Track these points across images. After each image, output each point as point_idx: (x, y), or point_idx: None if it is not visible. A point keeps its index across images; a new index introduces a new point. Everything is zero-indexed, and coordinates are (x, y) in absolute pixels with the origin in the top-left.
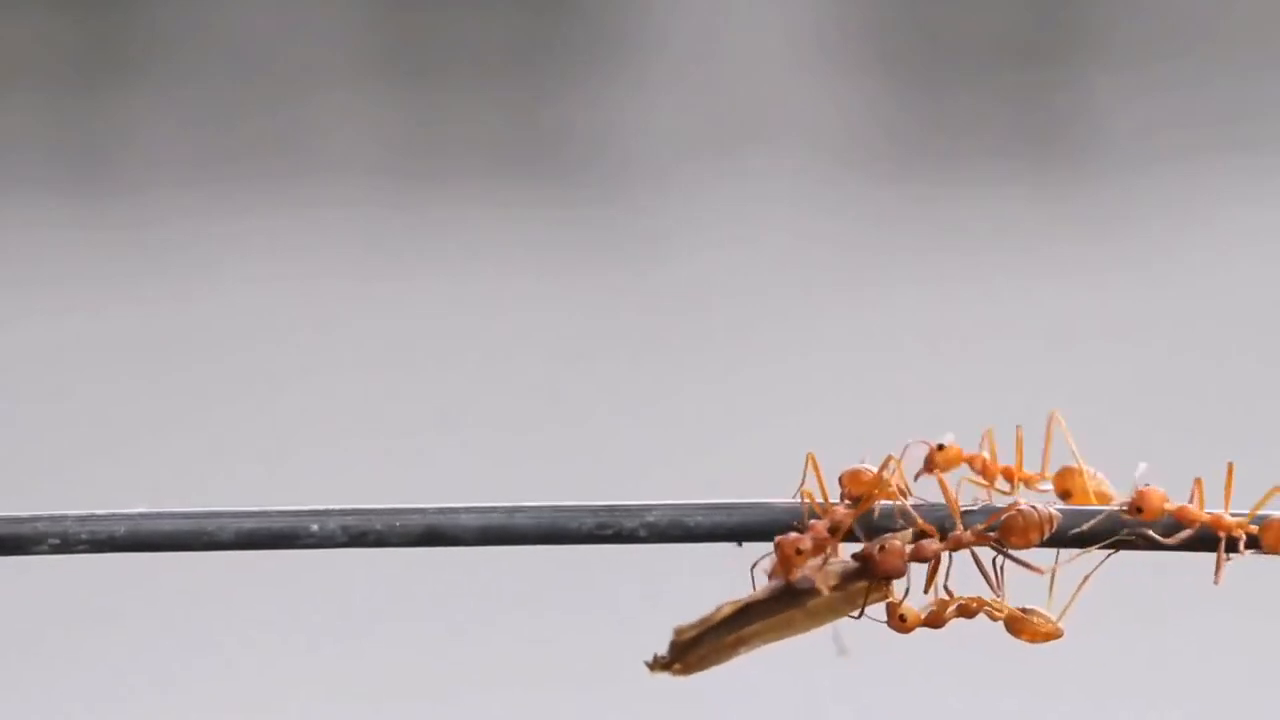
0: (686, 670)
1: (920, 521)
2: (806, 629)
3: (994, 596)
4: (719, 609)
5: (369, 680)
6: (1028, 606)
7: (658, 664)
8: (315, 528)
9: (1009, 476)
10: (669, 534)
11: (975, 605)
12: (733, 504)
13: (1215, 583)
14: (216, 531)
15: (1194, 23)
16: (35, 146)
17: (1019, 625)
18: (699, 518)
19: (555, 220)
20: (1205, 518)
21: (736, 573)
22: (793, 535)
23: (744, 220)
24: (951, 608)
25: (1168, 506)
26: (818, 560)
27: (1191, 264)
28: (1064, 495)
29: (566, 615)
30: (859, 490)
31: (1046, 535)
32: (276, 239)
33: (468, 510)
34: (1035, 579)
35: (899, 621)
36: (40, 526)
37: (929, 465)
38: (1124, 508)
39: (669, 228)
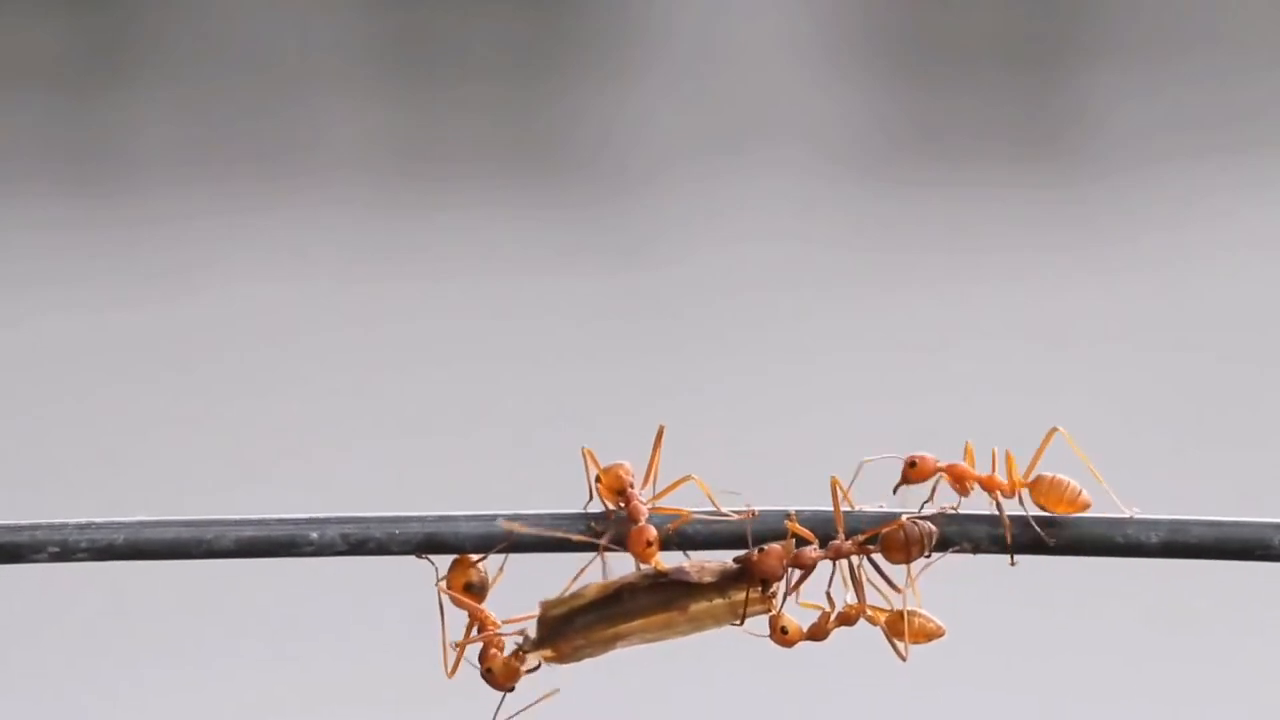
0: (560, 658)
1: (801, 529)
2: (686, 633)
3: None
4: (586, 588)
5: (371, 684)
6: (907, 609)
7: (528, 645)
8: (315, 536)
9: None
10: (667, 542)
11: (855, 613)
12: (713, 511)
13: (1010, 563)
14: (215, 540)
15: (1194, 23)
16: (35, 146)
17: (900, 628)
18: (697, 526)
19: (555, 220)
20: (978, 476)
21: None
22: (637, 526)
23: (744, 220)
24: (832, 618)
25: (940, 465)
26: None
27: (1191, 263)
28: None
29: None
30: (616, 486)
31: (927, 550)
32: (275, 239)
33: (468, 518)
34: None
35: (780, 634)
36: (39, 535)
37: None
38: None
39: (669, 228)
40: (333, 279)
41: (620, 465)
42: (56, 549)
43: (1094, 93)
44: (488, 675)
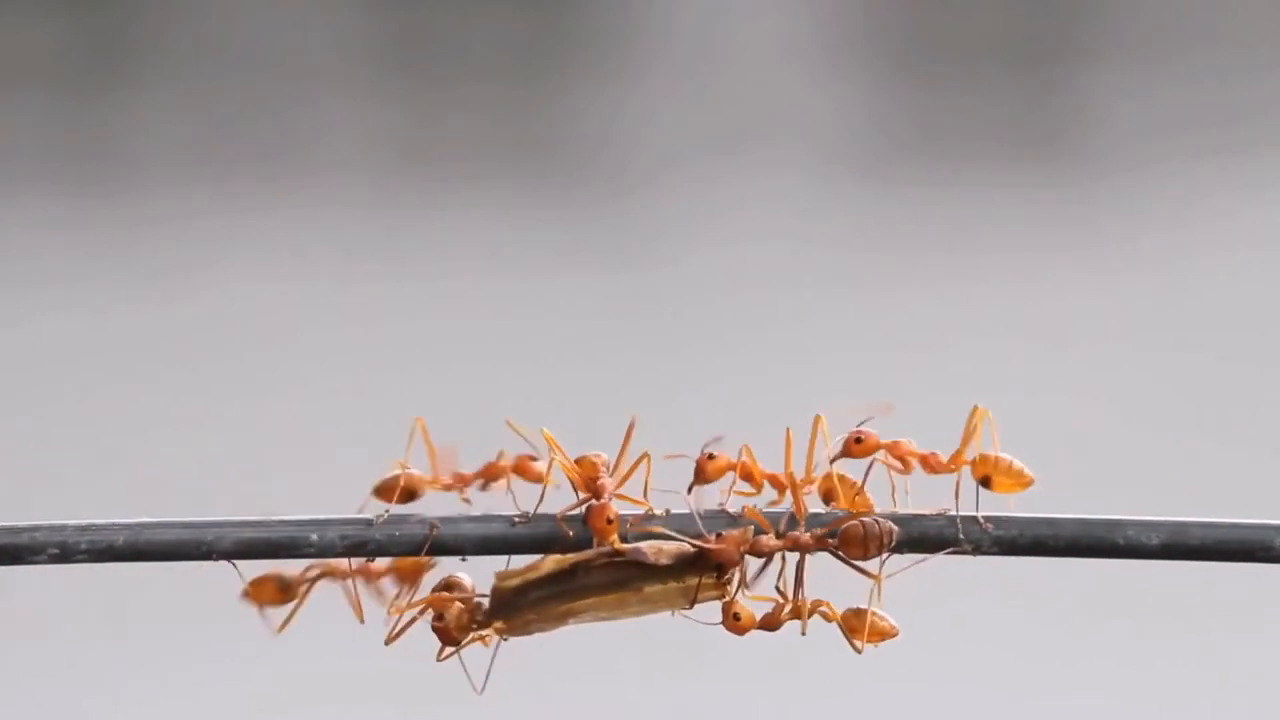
0: (511, 630)
1: (760, 517)
2: (638, 613)
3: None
4: (542, 561)
5: (373, 684)
6: (861, 608)
7: (481, 615)
8: (315, 537)
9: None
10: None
11: (809, 607)
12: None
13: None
14: (215, 541)
15: (1194, 23)
16: (35, 146)
17: (854, 626)
18: (698, 526)
19: (555, 220)
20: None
21: None
22: (599, 503)
23: (744, 220)
24: (786, 610)
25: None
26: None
27: (1191, 263)
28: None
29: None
30: (590, 474)
31: (886, 548)
32: (275, 239)
33: (468, 520)
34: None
35: (733, 620)
36: (40, 536)
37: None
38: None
39: (669, 228)
40: (333, 279)
41: (599, 455)
42: (56, 550)
43: (1094, 93)
44: (439, 628)
